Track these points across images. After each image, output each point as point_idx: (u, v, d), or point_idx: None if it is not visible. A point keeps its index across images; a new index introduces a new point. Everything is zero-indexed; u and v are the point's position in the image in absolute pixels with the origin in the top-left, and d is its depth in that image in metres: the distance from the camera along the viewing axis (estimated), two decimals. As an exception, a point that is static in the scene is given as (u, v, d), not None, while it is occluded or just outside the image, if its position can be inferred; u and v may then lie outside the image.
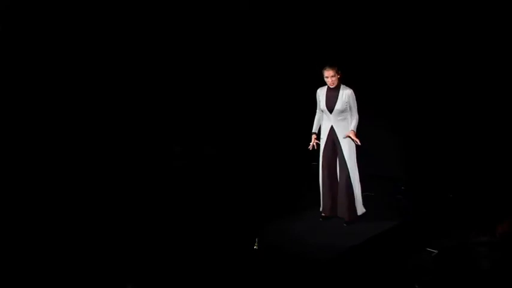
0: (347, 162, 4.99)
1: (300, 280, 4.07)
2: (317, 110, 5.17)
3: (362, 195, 5.15)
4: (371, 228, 4.93)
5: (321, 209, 5.20)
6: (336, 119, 5.00)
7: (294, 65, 6.54)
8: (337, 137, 5.02)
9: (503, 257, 3.93)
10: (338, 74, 4.95)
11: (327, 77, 4.95)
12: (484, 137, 5.61)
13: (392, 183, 6.16)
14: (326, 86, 5.05)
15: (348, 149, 4.99)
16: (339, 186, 5.09)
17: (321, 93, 5.07)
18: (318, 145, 5.14)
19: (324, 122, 5.12)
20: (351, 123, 4.98)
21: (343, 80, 5.02)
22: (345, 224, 5.05)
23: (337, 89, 4.98)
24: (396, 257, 4.41)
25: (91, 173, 5.72)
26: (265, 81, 6.67)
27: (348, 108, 4.95)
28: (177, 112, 6.49)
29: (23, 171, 5.32)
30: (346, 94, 4.94)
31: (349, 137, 4.94)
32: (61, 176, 5.52)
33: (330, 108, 4.99)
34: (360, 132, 5.04)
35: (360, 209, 5.13)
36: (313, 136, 5.15)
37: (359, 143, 4.91)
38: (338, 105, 4.94)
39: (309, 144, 5.12)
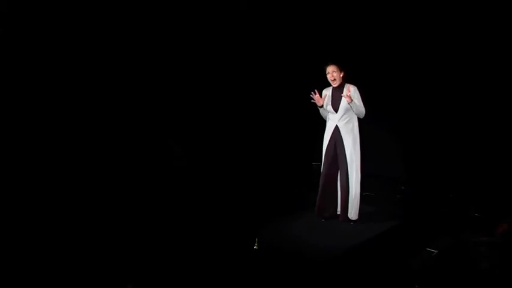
0: (349, 162, 4.99)
1: (299, 280, 4.07)
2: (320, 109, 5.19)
3: (362, 195, 5.15)
4: (371, 228, 4.93)
5: (316, 209, 5.19)
6: (341, 118, 5.01)
7: (295, 64, 6.54)
8: (341, 137, 5.02)
9: (503, 257, 3.93)
10: (340, 71, 4.96)
11: (328, 73, 4.98)
12: (484, 137, 5.61)
13: (392, 183, 6.16)
14: (331, 87, 5.07)
15: (353, 149, 4.99)
16: (340, 185, 5.09)
17: (326, 94, 5.09)
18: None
19: (328, 121, 5.13)
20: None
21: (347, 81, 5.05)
22: (351, 223, 5.05)
23: (341, 87, 5.00)
24: (396, 257, 4.41)
25: (91, 173, 5.72)
26: (265, 82, 6.67)
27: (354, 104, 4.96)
28: (177, 112, 6.49)
29: (22, 171, 5.32)
30: (349, 91, 4.95)
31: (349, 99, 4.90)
32: (61, 176, 5.52)
33: (335, 107, 5.01)
34: (360, 131, 5.07)
35: (355, 213, 5.10)
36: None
37: (349, 96, 4.86)
38: (343, 103, 4.95)
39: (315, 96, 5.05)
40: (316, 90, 5.06)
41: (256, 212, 5.34)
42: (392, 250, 4.58)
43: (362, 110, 4.97)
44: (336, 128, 5.04)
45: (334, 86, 5.02)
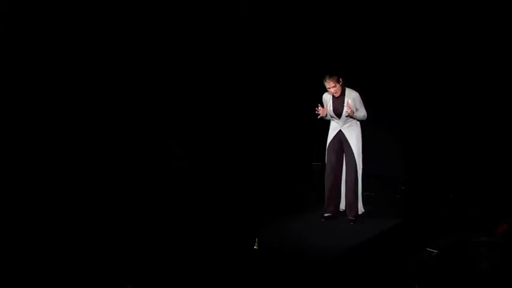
0: (356, 161, 5.01)
1: (300, 280, 4.07)
2: None
3: (362, 195, 5.17)
4: (371, 228, 4.94)
5: (325, 208, 5.20)
6: (345, 123, 5.03)
7: (295, 65, 6.53)
8: (345, 138, 5.04)
9: (503, 257, 3.92)
10: (339, 83, 4.94)
11: (329, 88, 4.95)
12: (484, 137, 5.61)
13: (392, 183, 6.16)
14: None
15: (357, 149, 5.01)
16: (346, 184, 5.10)
17: (327, 99, 5.08)
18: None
19: (332, 125, 5.15)
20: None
21: (346, 82, 5.04)
22: (351, 223, 5.06)
23: (342, 94, 4.98)
24: (396, 257, 4.41)
25: (91, 173, 5.72)
26: (265, 82, 6.67)
27: (356, 111, 4.95)
28: (177, 112, 6.49)
29: (22, 171, 5.32)
30: (351, 98, 4.94)
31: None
32: (61, 176, 5.52)
33: (338, 113, 5.01)
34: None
35: (361, 208, 5.16)
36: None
37: (351, 110, 4.89)
38: (345, 112, 4.96)
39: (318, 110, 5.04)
40: (319, 105, 5.05)
41: (256, 212, 5.34)
42: (392, 250, 4.58)
43: (363, 115, 4.99)
44: (340, 131, 5.07)
45: (336, 96, 5.01)
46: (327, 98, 5.08)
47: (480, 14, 5.45)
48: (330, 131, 5.17)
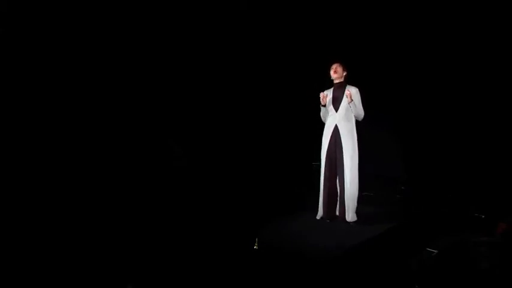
0: (347, 163, 4.99)
1: (299, 280, 4.07)
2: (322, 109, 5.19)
3: (362, 196, 5.15)
4: (371, 228, 4.93)
5: (318, 210, 5.20)
6: (341, 118, 5.02)
7: (295, 65, 6.54)
8: (340, 138, 5.03)
9: (503, 257, 3.93)
10: (344, 69, 5.02)
11: (332, 68, 5.03)
12: (484, 137, 5.61)
13: (392, 183, 6.16)
14: (332, 88, 5.10)
15: (351, 150, 5.00)
16: (339, 186, 5.09)
17: (327, 93, 5.11)
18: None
19: (328, 120, 5.14)
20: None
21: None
22: (351, 223, 5.06)
23: (342, 88, 5.02)
24: (396, 257, 4.41)
25: (91, 173, 5.72)
26: (265, 82, 6.67)
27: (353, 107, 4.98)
28: (177, 112, 6.49)
29: (22, 172, 5.32)
30: (351, 92, 4.97)
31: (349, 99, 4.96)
32: (61, 176, 5.52)
33: (336, 106, 5.03)
34: (360, 131, 5.07)
35: (352, 217, 5.07)
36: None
37: (349, 95, 4.93)
38: (344, 103, 4.98)
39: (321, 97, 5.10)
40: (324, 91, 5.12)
41: (256, 212, 5.34)
42: (392, 250, 4.58)
43: (361, 112, 5.00)
44: (336, 128, 5.06)
45: (335, 79, 5.05)
46: (326, 93, 5.12)
47: (480, 14, 5.45)
48: (325, 130, 5.15)
